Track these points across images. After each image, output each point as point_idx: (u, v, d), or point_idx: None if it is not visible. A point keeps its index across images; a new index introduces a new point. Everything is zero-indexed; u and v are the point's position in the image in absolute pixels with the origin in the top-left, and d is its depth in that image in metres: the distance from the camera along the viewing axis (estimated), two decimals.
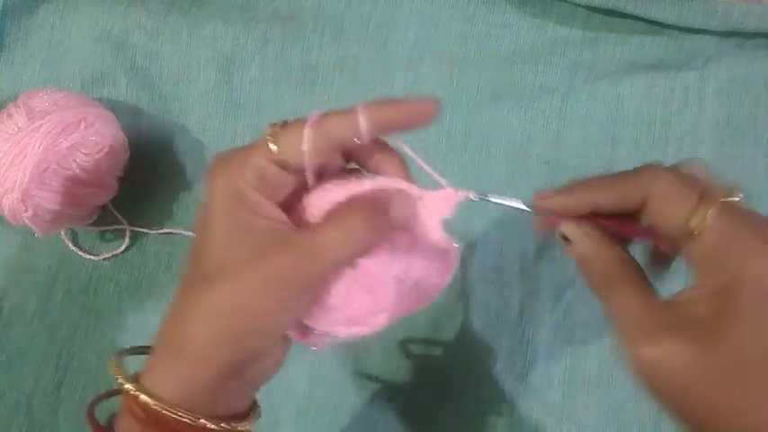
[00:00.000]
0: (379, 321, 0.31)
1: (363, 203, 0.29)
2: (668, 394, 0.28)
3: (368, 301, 0.30)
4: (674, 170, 0.31)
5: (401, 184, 0.30)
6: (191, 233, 0.50)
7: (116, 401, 0.31)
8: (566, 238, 0.31)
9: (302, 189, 0.30)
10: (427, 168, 0.30)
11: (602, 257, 0.30)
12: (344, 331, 0.31)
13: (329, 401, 0.49)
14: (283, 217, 0.29)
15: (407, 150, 0.31)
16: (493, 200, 0.31)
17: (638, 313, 0.28)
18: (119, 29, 0.53)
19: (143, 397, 0.28)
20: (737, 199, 0.29)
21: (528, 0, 0.53)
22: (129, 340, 0.50)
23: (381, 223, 0.29)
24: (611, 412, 0.49)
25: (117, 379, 0.29)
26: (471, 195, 0.31)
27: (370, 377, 0.50)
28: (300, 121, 0.29)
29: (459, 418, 0.49)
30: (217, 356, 0.28)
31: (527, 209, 0.31)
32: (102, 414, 0.32)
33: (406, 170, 0.31)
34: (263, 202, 0.29)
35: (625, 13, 0.51)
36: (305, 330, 0.32)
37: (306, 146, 0.28)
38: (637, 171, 0.31)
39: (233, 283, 0.28)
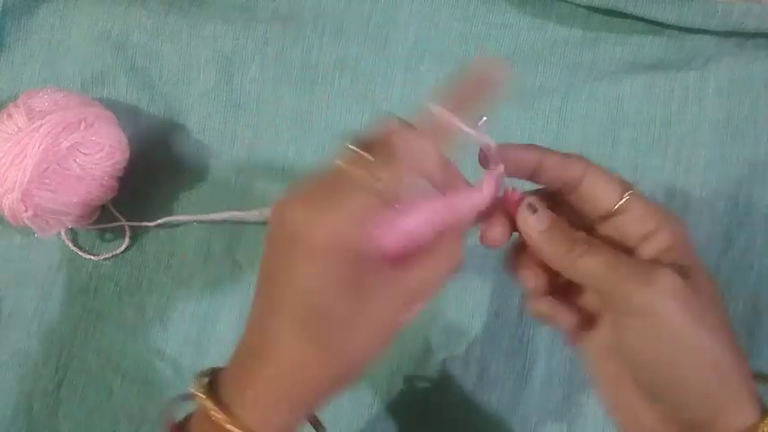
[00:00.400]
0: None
1: (450, 238, 0.30)
2: (670, 332, 0.29)
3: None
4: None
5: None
6: (188, 218, 0.50)
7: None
8: (532, 208, 0.32)
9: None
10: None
11: (566, 228, 0.32)
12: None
13: (329, 401, 0.49)
14: (383, 261, 0.29)
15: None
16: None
17: (627, 261, 0.30)
18: (119, 29, 0.53)
19: (231, 427, 0.28)
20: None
21: (528, 0, 0.53)
22: (129, 340, 0.50)
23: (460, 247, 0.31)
24: None
25: (205, 406, 0.29)
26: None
27: (369, 377, 0.50)
28: (392, 148, 0.28)
29: (460, 418, 0.49)
30: (318, 404, 0.30)
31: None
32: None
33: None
34: (374, 252, 0.29)
35: (625, 13, 0.51)
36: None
37: (430, 166, 0.29)
38: (569, 154, 0.33)
39: (356, 337, 0.28)
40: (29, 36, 0.53)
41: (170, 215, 0.51)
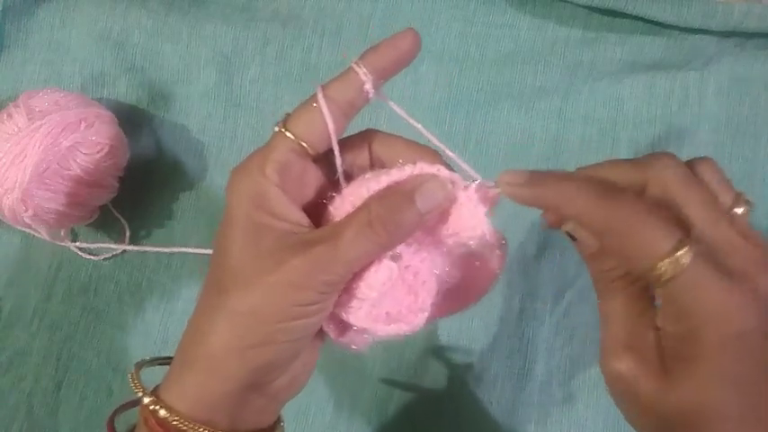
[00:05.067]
0: (420, 320, 0.29)
1: (383, 194, 0.27)
2: (623, 407, 0.28)
3: (409, 298, 0.29)
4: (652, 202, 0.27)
5: (437, 170, 0.28)
6: (188, 250, 0.50)
7: (134, 413, 0.30)
8: (571, 237, 0.28)
9: (328, 187, 0.29)
10: (457, 159, 0.29)
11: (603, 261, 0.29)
12: (384, 329, 0.29)
13: (329, 401, 0.49)
14: (305, 219, 0.28)
15: (435, 141, 0.30)
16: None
17: (619, 324, 0.28)
18: (119, 29, 0.53)
19: (162, 411, 0.27)
20: (741, 211, 0.27)
21: (528, 0, 0.53)
22: (129, 340, 0.50)
23: (404, 216, 0.27)
24: (611, 412, 0.49)
25: (135, 391, 0.29)
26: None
27: (370, 377, 0.50)
28: (305, 104, 0.28)
29: (460, 417, 0.49)
30: (235, 366, 0.27)
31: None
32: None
33: (440, 161, 0.29)
34: (284, 203, 0.28)
35: (625, 13, 0.51)
36: (342, 328, 0.30)
37: (326, 113, 0.27)
38: (620, 193, 0.26)
39: (250, 289, 0.27)
40: (29, 36, 0.53)
41: (170, 215, 0.51)
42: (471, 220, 0.28)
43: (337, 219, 0.28)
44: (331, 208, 0.29)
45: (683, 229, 0.25)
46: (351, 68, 0.28)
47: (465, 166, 0.29)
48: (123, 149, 0.48)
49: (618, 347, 0.28)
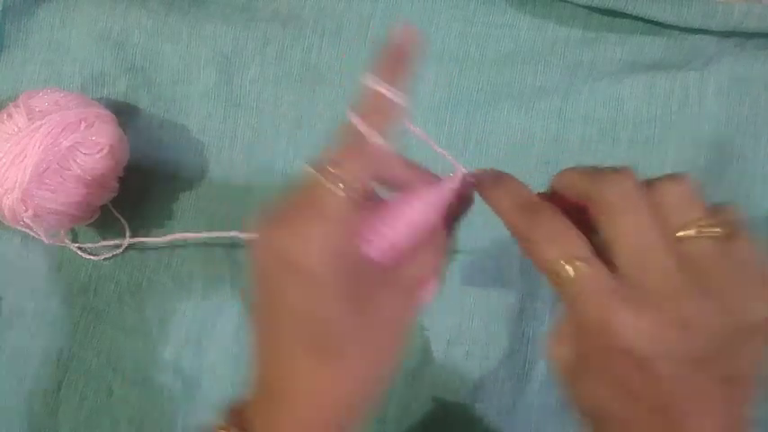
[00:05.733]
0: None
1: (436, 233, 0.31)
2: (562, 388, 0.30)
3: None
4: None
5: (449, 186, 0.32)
6: (190, 235, 0.50)
7: None
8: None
9: None
10: (442, 152, 0.32)
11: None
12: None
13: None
14: (377, 263, 0.29)
15: (419, 132, 0.32)
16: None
17: (560, 314, 0.30)
18: (119, 29, 0.53)
19: None
20: (718, 231, 0.28)
21: (528, 0, 0.53)
22: (129, 340, 0.50)
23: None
24: None
25: None
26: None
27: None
28: (353, 148, 0.27)
29: (460, 418, 0.49)
30: (352, 422, 0.29)
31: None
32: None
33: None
34: (364, 252, 0.28)
35: (625, 13, 0.51)
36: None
37: (380, 145, 0.27)
38: (535, 206, 0.29)
39: (368, 346, 0.28)
40: (29, 36, 0.53)
41: (170, 215, 0.51)
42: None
43: (389, 246, 0.30)
44: (377, 238, 0.30)
45: (582, 246, 0.27)
46: (380, 93, 0.27)
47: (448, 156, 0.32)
48: (123, 149, 0.48)
49: (553, 334, 0.29)
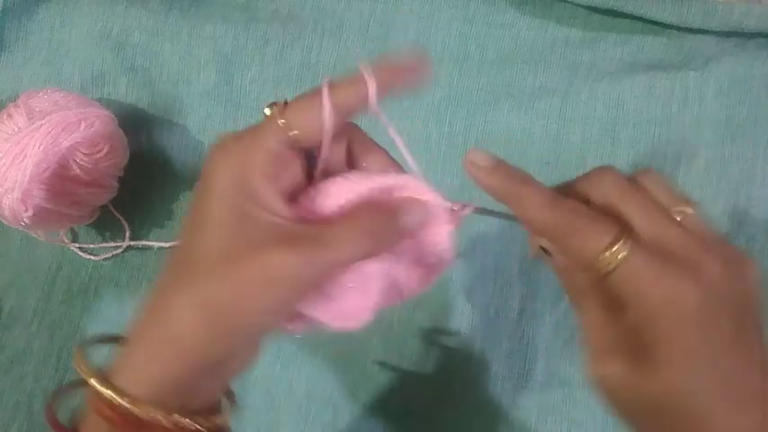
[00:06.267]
0: (366, 317, 0.30)
1: (377, 207, 0.28)
2: (616, 410, 0.29)
3: (358, 297, 0.30)
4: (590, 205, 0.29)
5: (422, 189, 0.29)
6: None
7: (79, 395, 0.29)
8: (546, 251, 0.30)
9: (301, 179, 0.29)
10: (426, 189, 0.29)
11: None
12: (335, 324, 0.30)
13: (329, 401, 0.49)
14: (286, 210, 0.27)
15: (409, 160, 0.30)
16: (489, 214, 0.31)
17: (596, 331, 0.29)
18: (119, 29, 0.53)
19: (109, 393, 0.26)
20: (690, 211, 0.29)
21: (528, 0, 0.53)
22: None
23: (392, 232, 0.28)
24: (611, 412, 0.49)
25: (82, 373, 0.27)
26: (470, 210, 0.30)
27: (370, 377, 0.50)
28: (309, 96, 0.27)
29: (460, 418, 0.49)
30: (199, 352, 0.26)
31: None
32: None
33: (395, 167, 0.30)
34: (269, 192, 0.27)
35: (625, 13, 0.51)
36: (294, 317, 0.30)
37: (326, 118, 0.27)
38: (564, 199, 0.29)
39: (228, 276, 0.26)
40: (29, 36, 0.53)
41: (170, 215, 0.51)
42: (437, 237, 0.30)
43: (316, 214, 0.28)
44: (306, 202, 0.29)
45: (622, 226, 0.27)
46: (360, 74, 0.27)
47: (434, 196, 0.30)
48: (123, 149, 0.48)
49: (598, 354, 0.28)
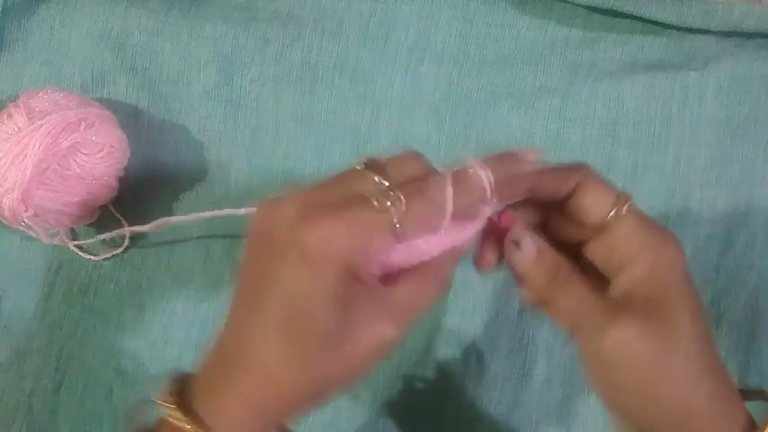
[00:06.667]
0: None
1: (449, 261, 0.31)
2: (629, 383, 0.30)
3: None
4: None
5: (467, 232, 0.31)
6: (184, 218, 0.49)
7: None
8: (516, 243, 0.32)
9: None
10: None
11: (551, 258, 0.32)
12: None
13: (329, 401, 0.49)
14: (375, 278, 0.29)
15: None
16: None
17: (593, 304, 0.30)
18: (119, 29, 0.53)
19: None
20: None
21: (528, 0, 0.53)
22: (129, 340, 0.50)
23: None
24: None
25: (173, 416, 0.28)
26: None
27: (369, 377, 0.50)
28: (419, 184, 0.28)
29: (460, 418, 0.49)
30: (291, 418, 0.29)
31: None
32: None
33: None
34: (368, 271, 0.28)
35: (625, 13, 0.51)
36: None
37: (448, 209, 0.28)
38: (569, 165, 0.33)
39: (338, 354, 0.27)
40: (29, 36, 0.53)
41: (170, 216, 0.51)
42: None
43: (389, 268, 0.30)
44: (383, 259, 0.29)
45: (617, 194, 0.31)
46: (476, 175, 0.28)
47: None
48: (123, 149, 0.48)
49: (606, 320, 0.30)
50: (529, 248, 0.32)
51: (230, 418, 0.28)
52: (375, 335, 0.28)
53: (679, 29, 0.51)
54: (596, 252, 0.32)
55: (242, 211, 0.45)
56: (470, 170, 0.29)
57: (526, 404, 0.49)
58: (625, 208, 0.30)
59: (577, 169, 0.32)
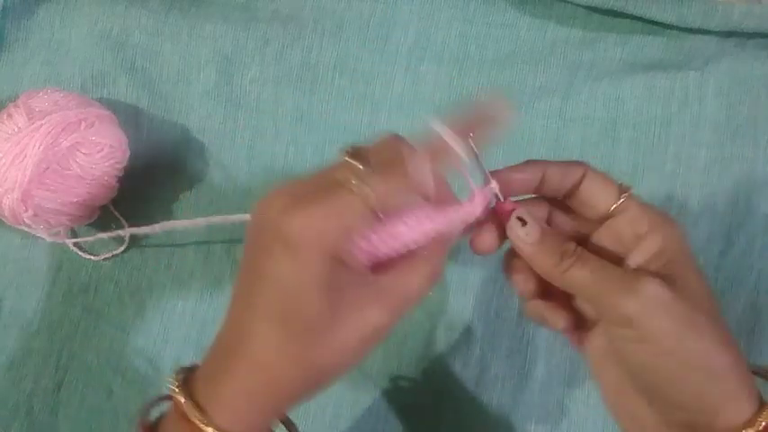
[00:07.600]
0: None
1: (441, 245, 0.31)
2: (659, 339, 0.30)
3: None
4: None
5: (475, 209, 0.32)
6: (185, 222, 0.48)
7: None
8: (521, 220, 0.32)
9: None
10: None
11: (556, 238, 0.32)
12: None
13: (329, 401, 0.49)
14: (362, 265, 0.29)
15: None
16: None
17: (612, 272, 0.31)
18: (119, 29, 0.53)
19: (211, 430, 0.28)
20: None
21: (528, 0, 0.53)
22: (129, 340, 0.50)
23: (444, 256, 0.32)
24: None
25: (181, 405, 0.29)
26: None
27: (370, 377, 0.50)
28: (396, 162, 0.28)
29: (460, 418, 0.49)
30: (293, 401, 0.29)
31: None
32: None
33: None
34: (352, 255, 0.29)
35: (625, 13, 0.51)
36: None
37: (428, 185, 0.28)
38: (569, 161, 0.34)
39: (330, 340, 0.28)
40: (29, 36, 0.53)
41: (170, 216, 0.51)
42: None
43: (377, 256, 0.30)
44: (365, 243, 0.30)
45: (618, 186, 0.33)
46: (446, 143, 0.29)
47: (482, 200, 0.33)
48: (123, 149, 0.48)
49: (630, 282, 0.30)
50: (534, 225, 0.32)
51: (227, 405, 0.28)
52: (365, 320, 0.28)
53: (679, 29, 0.51)
54: (603, 239, 0.33)
55: (246, 217, 0.45)
56: (445, 143, 0.29)
57: (526, 404, 0.49)
58: (626, 197, 0.32)
59: (579, 163, 0.33)
